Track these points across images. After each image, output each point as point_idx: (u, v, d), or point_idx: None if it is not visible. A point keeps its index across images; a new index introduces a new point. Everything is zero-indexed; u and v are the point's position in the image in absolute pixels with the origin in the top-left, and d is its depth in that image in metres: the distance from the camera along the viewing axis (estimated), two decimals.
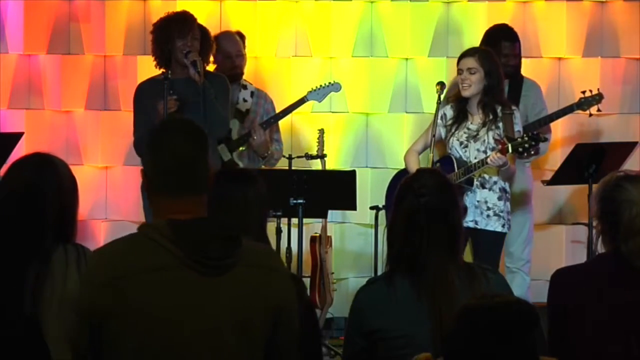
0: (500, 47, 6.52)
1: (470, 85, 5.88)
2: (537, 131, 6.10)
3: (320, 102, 6.75)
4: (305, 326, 3.19)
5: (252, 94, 6.72)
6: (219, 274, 2.69)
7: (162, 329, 2.65)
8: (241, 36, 6.84)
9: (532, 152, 5.85)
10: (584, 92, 6.62)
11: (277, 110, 6.71)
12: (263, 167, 6.54)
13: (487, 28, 6.81)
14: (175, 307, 2.66)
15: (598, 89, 6.64)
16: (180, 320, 2.66)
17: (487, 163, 5.76)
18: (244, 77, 6.79)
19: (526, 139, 5.70)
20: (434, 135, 5.96)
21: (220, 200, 3.43)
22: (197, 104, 5.88)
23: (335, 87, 6.72)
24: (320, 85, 6.68)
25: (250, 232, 3.43)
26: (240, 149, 6.56)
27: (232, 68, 6.62)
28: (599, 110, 6.62)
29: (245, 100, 6.68)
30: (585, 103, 6.61)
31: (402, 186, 3.45)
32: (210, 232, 2.70)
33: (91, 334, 2.69)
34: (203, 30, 6.25)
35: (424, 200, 3.36)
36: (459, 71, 5.92)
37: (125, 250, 2.73)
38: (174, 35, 5.99)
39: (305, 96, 6.65)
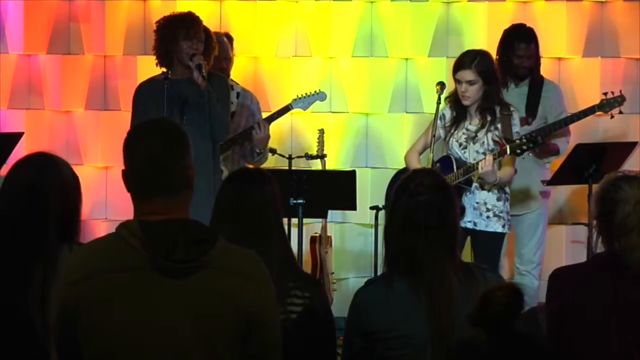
0: (514, 48, 6.51)
1: (470, 96, 5.87)
2: (553, 131, 6.06)
3: (305, 110, 6.73)
4: (321, 330, 3.21)
5: (237, 94, 6.69)
6: (182, 276, 2.64)
7: (125, 329, 2.64)
8: (229, 38, 6.81)
9: (530, 154, 5.80)
10: (605, 94, 6.53)
11: (262, 111, 6.70)
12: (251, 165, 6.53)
13: (487, 28, 6.82)
14: (137, 308, 2.64)
15: (620, 91, 6.56)
16: (141, 321, 2.64)
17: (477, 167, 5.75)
18: (230, 77, 6.76)
19: (524, 140, 5.70)
20: (434, 135, 5.95)
21: (237, 200, 3.45)
22: (198, 104, 5.86)
23: (320, 96, 6.70)
24: (306, 94, 6.66)
25: (268, 230, 3.45)
26: (225, 153, 6.53)
27: (219, 71, 6.60)
28: (620, 112, 6.56)
29: (230, 103, 6.65)
30: (607, 105, 6.51)
31: (399, 186, 3.44)
32: (177, 234, 2.66)
33: (67, 333, 2.68)
34: (206, 32, 6.25)
35: (421, 199, 3.35)
36: (457, 82, 5.88)
37: (98, 249, 2.73)
38: (179, 36, 5.95)
39: (290, 104, 6.63)
